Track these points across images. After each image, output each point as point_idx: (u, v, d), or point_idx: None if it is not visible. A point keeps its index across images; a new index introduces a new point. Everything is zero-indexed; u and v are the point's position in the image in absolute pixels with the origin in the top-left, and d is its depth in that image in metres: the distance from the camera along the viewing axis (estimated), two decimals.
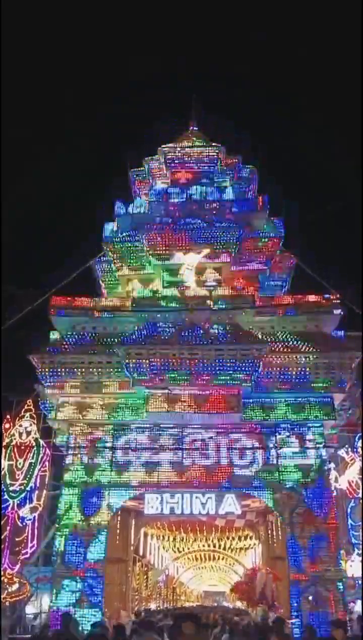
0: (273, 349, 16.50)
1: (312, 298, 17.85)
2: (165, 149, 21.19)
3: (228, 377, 16.15)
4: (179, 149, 21.32)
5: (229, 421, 16.58)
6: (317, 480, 16.18)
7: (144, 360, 16.13)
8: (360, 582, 17.91)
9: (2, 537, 16.98)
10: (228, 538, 24.64)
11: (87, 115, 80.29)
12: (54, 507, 18.11)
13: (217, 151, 21.17)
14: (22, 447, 17.65)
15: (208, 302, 17.62)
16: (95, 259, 20.23)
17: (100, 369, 16.64)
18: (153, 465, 16.55)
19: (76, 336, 17.53)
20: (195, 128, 22.74)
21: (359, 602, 18.23)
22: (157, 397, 16.32)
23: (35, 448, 17.67)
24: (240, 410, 16.28)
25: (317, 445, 16.48)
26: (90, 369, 16.62)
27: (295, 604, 15.23)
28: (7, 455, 17.58)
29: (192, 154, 21.18)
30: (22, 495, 17.21)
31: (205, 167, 21.00)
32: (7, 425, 18.12)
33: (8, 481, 17.29)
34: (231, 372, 16.09)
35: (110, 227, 21.14)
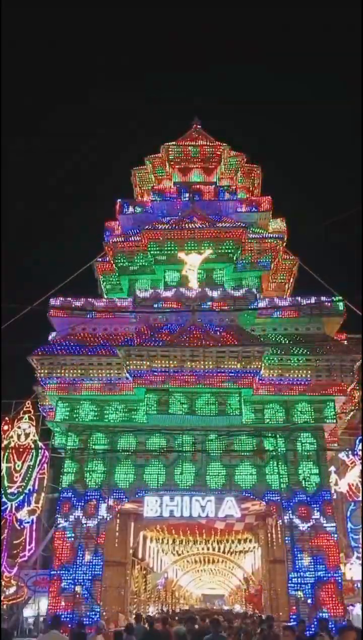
0: (274, 350, 16.36)
1: (313, 300, 17.74)
2: (168, 146, 20.97)
3: (229, 379, 15.99)
4: (182, 147, 21.08)
5: (230, 423, 16.42)
6: (317, 483, 16.05)
7: (144, 362, 15.96)
8: (359, 585, 17.81)
9: (0, 539, 16.81)
10: (227, 541, 24.55)
11: (87, 111, 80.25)
12: (53, 510, 17.95)
13: (221, 150, 20.95)
14: (21, 449, 17.45)
15: (209, 303, 17.48)
16: (96, 259, 20.06)
17: (100, 371, 16.46)
18: (153, 468, 16.39)
19: (76, 337, 17.36)
20: (199, 126, 22.49)
21: (358, 605, 18.14)
22: (157, 399, 16.16)
23: (33, 450, 17.48)
24: (241, 413, 16.13)
25: (318, 448, 16.34)
26: (90, 371, 16.45)
27: (294, 607, 15.09)
28: (5, 457, 17.39)
29: (195, 152, 20.94)
30: (21, 497, 17.02)
31: (209, 166, 20.78)
32: (5, 427, 17.93)
33: (6, 483, 17.09)
34: (232, 374, 15.93)
35: (111, 226, 20.98)
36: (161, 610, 24.76)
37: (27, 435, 17.87)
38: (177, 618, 18.01)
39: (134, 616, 17.40)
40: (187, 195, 20.12)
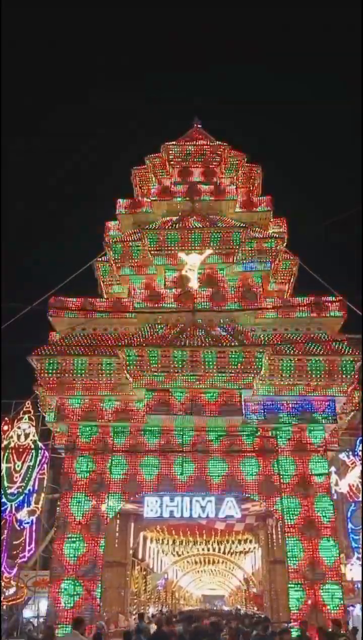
0: (275, 351, 16.34)
1: (314, 300, 17.73)
2: (169, 146, 20.89)
3: (229, 380, 15.97)
4: (182, 146, 20.99)
5: (230, 424, 16.41)
6: (317, 483, 16.01)
7: (144, 362, 15.94)
8: (359, 585, 17.79)
9: (0, 540, 16.77)
10: (228, 542, 24.55)
11: (87, 111, 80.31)
12: (53, 510, 17.92)
13: (221, 149, 20.87)
14: (21, 450, 17.41)
15: (210, 303, 17.45)
16: (96, 259, 20.00)
17: (100, 371, 16.44)
18: (153, 468, 16.37)
19: (76, 337, 17.34)
20: (199, 125, 22.41)
21: (358, 606, 18.14)
22: (157, 399, 16.13)
23: (33, 450, 17.44)
24: (241, 413, 16.11)
25: (318, 449, 16.32)
26: (90, 371, 16.43)
27: (294, 608, 15.06)
28: (5, 457, 17.35)
29: (195, 152, 20.86)
30: (20, 498, 16.97)
31: (209, 166, 20.70)
32: (5, 427, 17.89)
33: (6, 484, 17.05)
34: (232, 374, 15.91)
35: (111, 226, 20.93)
36: (161, 611, 24.75)
37: (26, 436, 17.82)
38: (176, 619, 18.02)
39: (136, 615, 17.43)
40: (187, 194, 20.07)
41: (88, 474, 16.22)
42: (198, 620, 15.84)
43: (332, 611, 14.78)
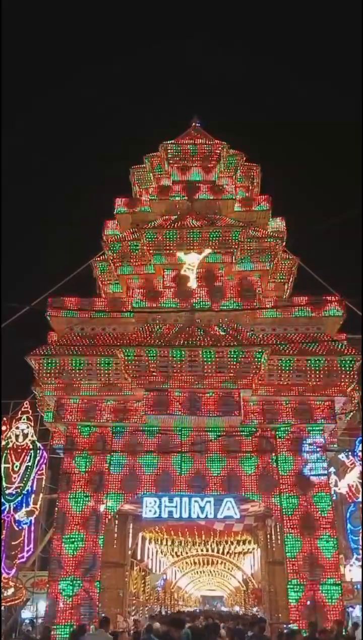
0: (274, 351, 16.28)
1: (313, 300, 17.68)
2: (167, 145, 20.86)
3: (228, 380, 15.92)
4: (181, 145, 20.95)
5: (229, 424, 16.35)
6: (317, 484, 15.96)
7: (143, 362, 15.89)
8: (359, 586, 17.73)
9: None
10: (227, 542, 24.49)
11: (87, 109, 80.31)
12: (51, 511, 17.86)
13: (220, 148, 20.84)
14: (19, 450, 17.39)
15: (209, 302, 17.39)
16: (94, 258, 19.95)
17: (98, 370, 16.39)
18: (151, 468, 16.31)
19: (74, 337, 17.29)
20: (198, 124, 22.38)
21: (358, 607, 18.08)
22: (156, 399, 16.07)
23: (32, 451, 17.41)
24: (240, 413, 16.06)
25: (317, 449, 16.26)
26: (89, 370, 16.38)
27: (294, 609, 15.00)
28: (4, 457, 17.31)
29: (194, 151, 20.80)
30: (19, 498, 16.96)
31: (208, 165, 20.65)
32: (3, 428, 17.86)
33: (4, 484, 17.02)
34: (231, 374, 15.86)
35: (110, 225, 20.89)
36: (158, 613, 24.71)
37: (25, 436, 17.81)
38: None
39: (134, 617, 17.36)
40: (186, 193, 20.02)
41: (87, 474, 16.14)
42: (193, 621, 15.74)
43: (332, 607, 14.72)
